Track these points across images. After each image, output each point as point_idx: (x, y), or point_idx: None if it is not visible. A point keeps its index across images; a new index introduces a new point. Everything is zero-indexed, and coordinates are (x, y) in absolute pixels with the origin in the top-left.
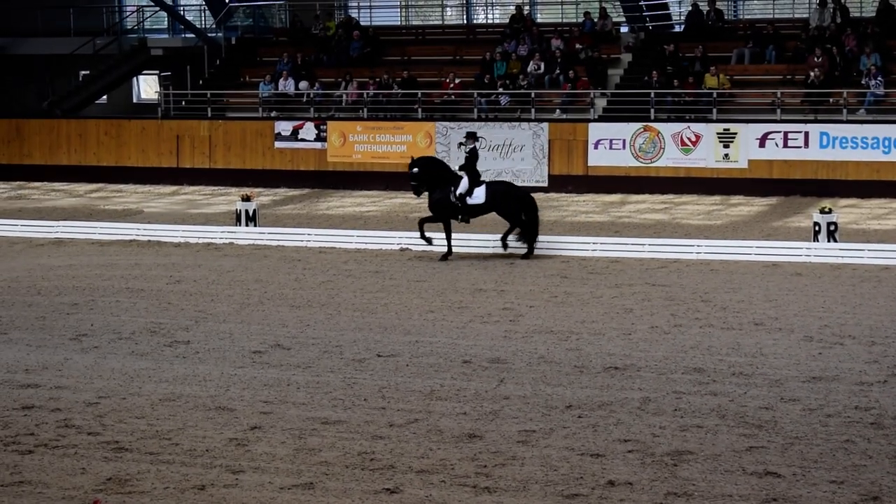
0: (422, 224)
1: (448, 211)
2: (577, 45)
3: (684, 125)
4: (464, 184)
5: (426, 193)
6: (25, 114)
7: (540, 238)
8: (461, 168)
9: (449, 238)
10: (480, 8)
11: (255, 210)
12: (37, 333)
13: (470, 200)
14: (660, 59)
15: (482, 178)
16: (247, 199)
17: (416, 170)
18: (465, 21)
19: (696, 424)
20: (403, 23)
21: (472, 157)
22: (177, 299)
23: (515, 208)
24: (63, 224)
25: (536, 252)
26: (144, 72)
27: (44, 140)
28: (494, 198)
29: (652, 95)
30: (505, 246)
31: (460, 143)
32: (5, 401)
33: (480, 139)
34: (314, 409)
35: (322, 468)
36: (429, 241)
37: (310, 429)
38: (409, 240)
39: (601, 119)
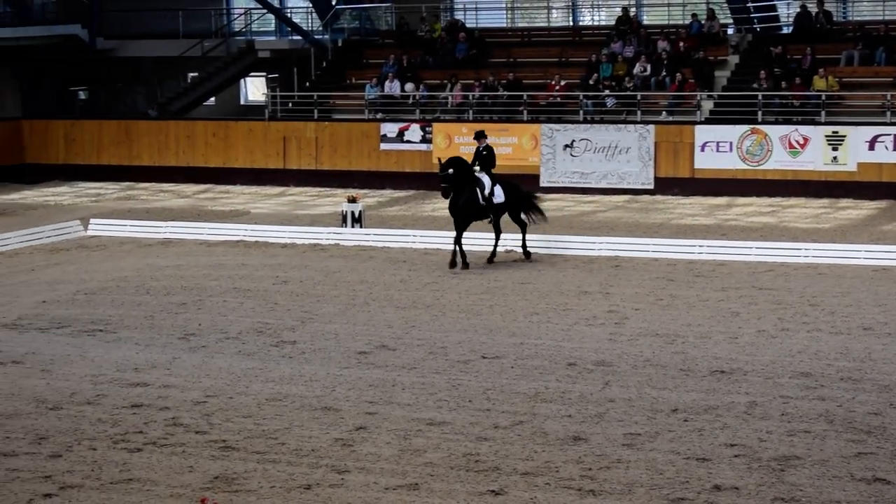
0: (459, 241)
1: (475, 213)
2: (682, 45)
3: (792, 128)
4: (487, 182)
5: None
6: (134, 115)
7: (642, 241)
8: (480, 167)
9: (460, 244)
10: (586, 10)
11: (360, 211)
12: (145, 333)
13: (494, 199)
14: (767, 60)
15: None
16: (353, 200)
17: (451, 171)
18: (571, 23)
19: (804, 429)
20: (509, 25)
21: (490, 155)
22: (283, 300)
23: (522, 206)
24: (171, 224)
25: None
26: (252, 74)
27: (152, 141)
28: (517, 196)
29: (759, 97)
30: (527, 253)
31: (566, 146)
32: (115, 399)
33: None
34: (419, 410)
35: (427, 469)
36: (466, 265)
37: (415, 430)
38: (513, 242)
39: (708, 121)
